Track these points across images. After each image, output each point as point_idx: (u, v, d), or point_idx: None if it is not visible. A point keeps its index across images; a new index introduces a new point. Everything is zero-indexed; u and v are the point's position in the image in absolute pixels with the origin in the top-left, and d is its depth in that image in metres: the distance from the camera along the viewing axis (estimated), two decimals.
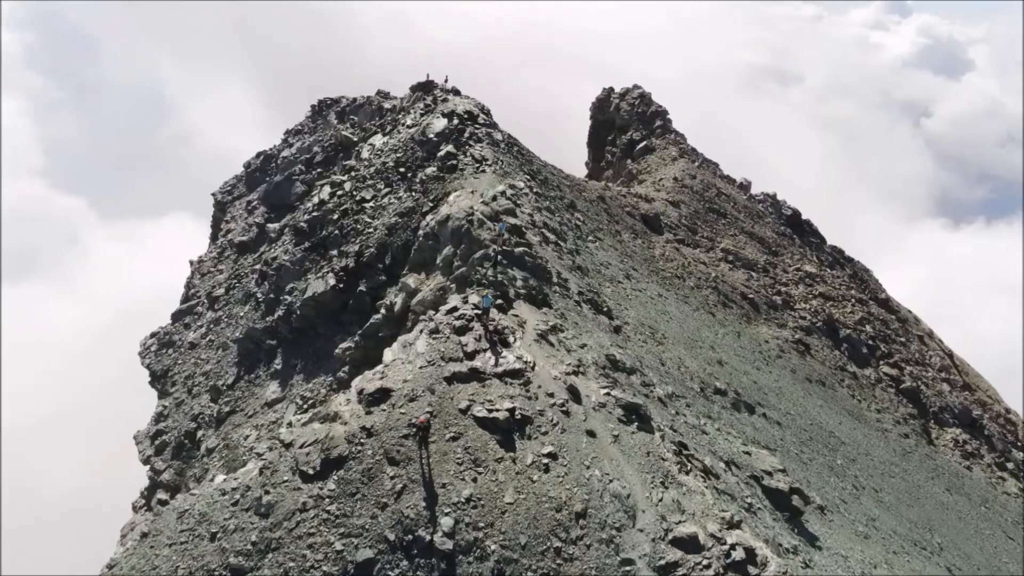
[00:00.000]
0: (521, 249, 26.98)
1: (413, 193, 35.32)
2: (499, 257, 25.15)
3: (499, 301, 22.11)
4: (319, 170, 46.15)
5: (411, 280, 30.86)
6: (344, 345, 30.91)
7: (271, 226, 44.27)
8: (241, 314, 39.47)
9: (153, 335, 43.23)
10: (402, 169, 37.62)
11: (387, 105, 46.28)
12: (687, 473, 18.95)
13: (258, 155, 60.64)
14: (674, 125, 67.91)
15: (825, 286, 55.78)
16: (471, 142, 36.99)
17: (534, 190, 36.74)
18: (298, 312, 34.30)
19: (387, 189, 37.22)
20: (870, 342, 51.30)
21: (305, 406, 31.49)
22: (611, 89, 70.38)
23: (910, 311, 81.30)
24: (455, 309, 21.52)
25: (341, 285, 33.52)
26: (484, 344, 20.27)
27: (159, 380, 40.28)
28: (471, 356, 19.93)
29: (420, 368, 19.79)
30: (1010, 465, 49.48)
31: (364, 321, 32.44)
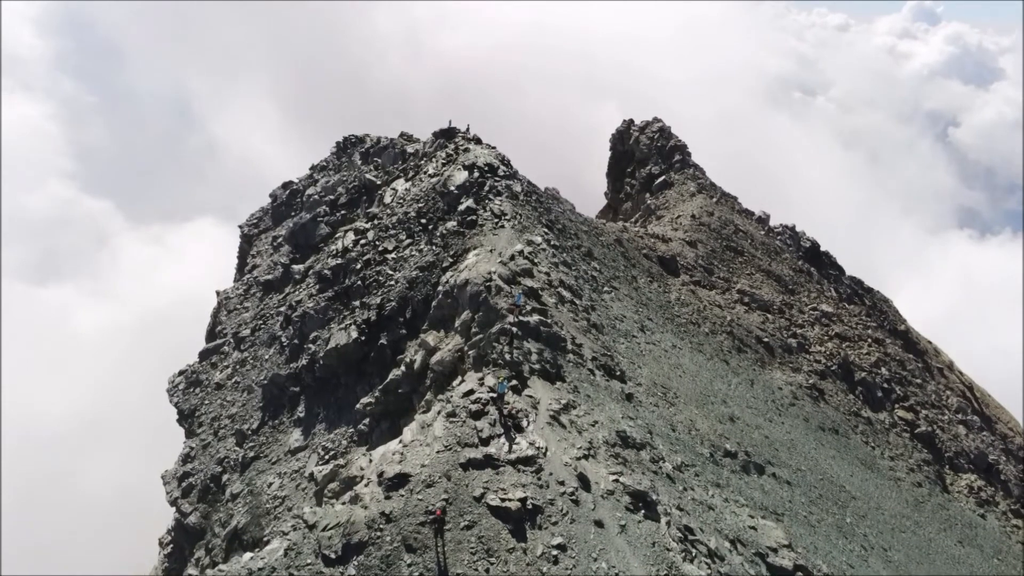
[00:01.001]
0: (537, 318, 27.85)
1: (434, 247, 36.36)
2: (515, 330, 26.03)
3: (514, 382, 23.01)
4: (343, 212, 47.41)
5: (430, 338, 31.87)
6: (365, 400, 31.98)
7: (296, 267, 45.55)
8: (266, 357, 40.73)
9: (181, 373, 44.66)
10: (423, 220, 38.70)
11: (410, 149, 47.43)
12: (691, 561, 19.70)
13: (284, 186, 62.22)
14: (693, 159, 68.54)
15: (842, 325, 56.03)
16: (490, 196, 37.99)
17: (551, 243, 37.66)
18: (321, 362, 35.42)
19: (408, 240, 38.31)
20: (885, 385, 51.49)
21: (327, 456, 32.61)
22: (631, 121, 71.15)
23: (930, 342, 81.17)
24: (472, 392, 22.45)
25: (363, 338, 34.58)
26: (499, 429, 21.18)
27: (187, 419, 41.66)
28: (486, 442, 20.85)
29: (438, 452, 20.74)
30: None
31: (385, 373, 33.53)
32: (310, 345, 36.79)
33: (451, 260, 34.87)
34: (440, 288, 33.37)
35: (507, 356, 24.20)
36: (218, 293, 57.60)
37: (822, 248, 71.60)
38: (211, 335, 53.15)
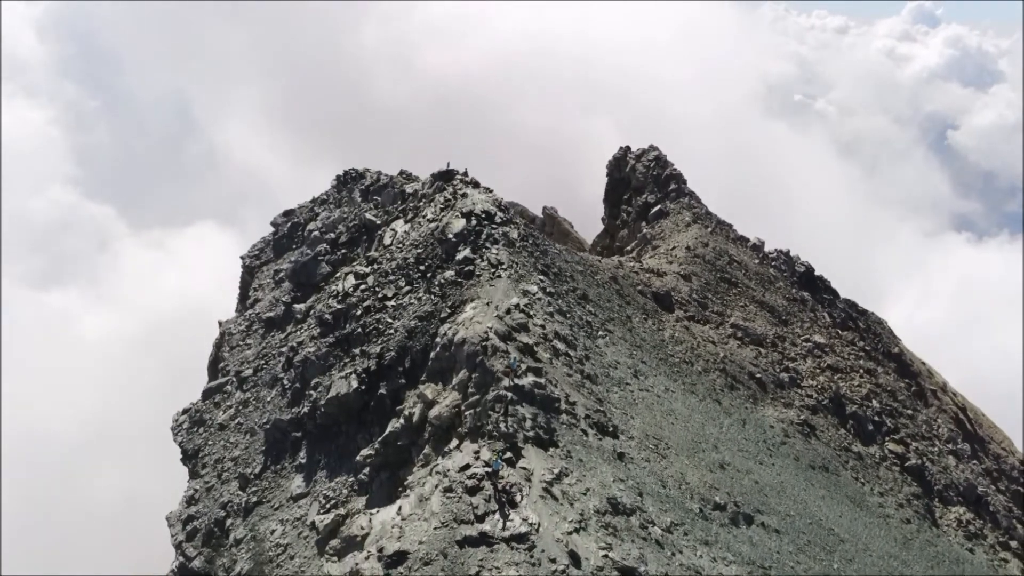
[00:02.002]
0: (531, 379, 28.80)
1: (432, 296, 37.31)
2: (510, 396, 26.98)
3: (508, 455, 23.95)
4: (343, 251, 48.36)
5: (429, 391, 32.83)
6: (365, 452, 32.94)
7: (297, 307, 46.50)
8: (268, 399, 41.66)
9: (185, 411, 45.60)
10: (422, 267, 39.66)
11: (409, 189, 48.35)
12: None
13: (285, 214, 63.16)
14: (689, 187, 69.53)
15: (834, 356, 56.99)
16: (487, 244, 38.93)
17: (547, 290, 38.63)
18: (322, 409, 36.37)
19: (408, 288, 39.26)
20: (876, 418, 52.45)
21: (328, 505, 33.51)
22: (628, 148, 72.15)
23: (924, 363, 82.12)
24: (468, 466, 23.40)
25: (363, 387, 35.51)
26: (493, 505, 22.12)
27: (190, 459, 42.60)
28: (481, 519, 21.80)
29: (435, 529, 21.68)
30: (1013, 544, 50.40)
31: (385, 422, 34.48)
32: (311, 392, 37.72)
33: (449, 311, 35.81)
34: (438, 340, 34.31)
35: (502, 427, 25.13)
36: (220, 324, 58.53)
37: (816, 272, 72.67)
38: (213, 368, 54.09)
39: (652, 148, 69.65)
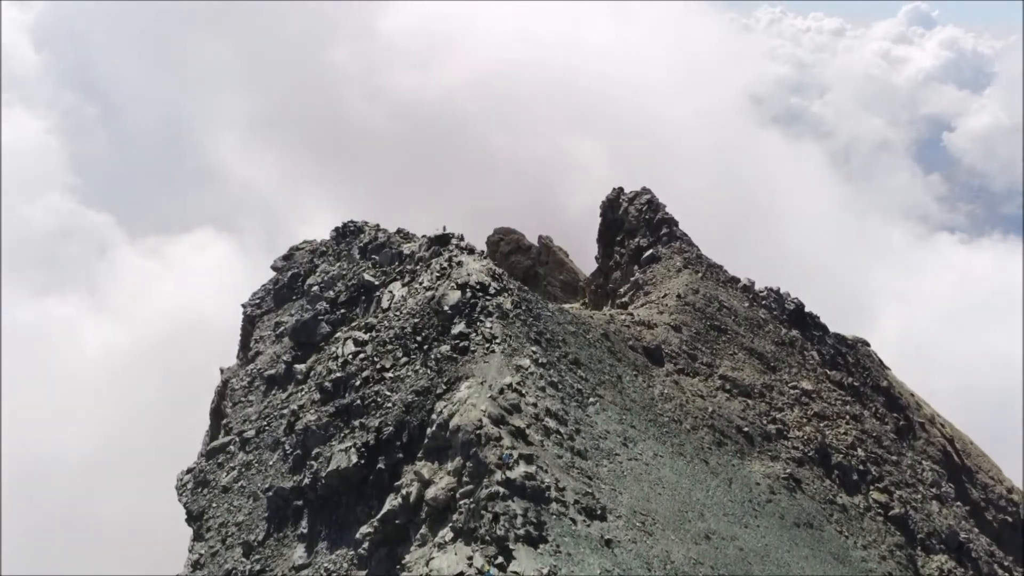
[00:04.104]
0: (523, 470, 30.29)
1: (428, 371, 38.78)
2: (502, 491, 28.47)
3: (499, 560, 25.41)
4: (343, 311, 49.84)
5: (425, 471, 34.32)
6: (364, 530, 34.37)
7: (298, 367, 47.95)
8: (271, 462, 43.10)
9: (189, 471, 47.01)
10: (419, 338, 41.14)
11: (406, 251, 49.83)
12: None
13: (285, 259, 64.68)
14: (681, 228, 71.13)
15: (821, 403, 58.52)
16: (482, 317, 40.43)
17: (539, 361, 40.13)
18: (323, 481, 37.82)
19: (405, 359, 40.74)
20: (861, 467, 53.98)
21: None
22: (621, 190, 73.71)
23: (912, 394, 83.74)
24: (461, 574, 24.85)
25: (363, 461, 36.98)
26: None
27: (195, 520, 44.02)
28: None
29: None
30: None
31: (383, 496, 35.97)
32: (312, 462, 39.13)
33: (445, 387, 37.30)
34: (434, 417, 35.80)
35: (495, 532, 26.58)
36: (222, 371, 59.99)
37: (807, 309, 74.37)
38: (215, 417, 55.58)
39: (644, 191, 71.18)
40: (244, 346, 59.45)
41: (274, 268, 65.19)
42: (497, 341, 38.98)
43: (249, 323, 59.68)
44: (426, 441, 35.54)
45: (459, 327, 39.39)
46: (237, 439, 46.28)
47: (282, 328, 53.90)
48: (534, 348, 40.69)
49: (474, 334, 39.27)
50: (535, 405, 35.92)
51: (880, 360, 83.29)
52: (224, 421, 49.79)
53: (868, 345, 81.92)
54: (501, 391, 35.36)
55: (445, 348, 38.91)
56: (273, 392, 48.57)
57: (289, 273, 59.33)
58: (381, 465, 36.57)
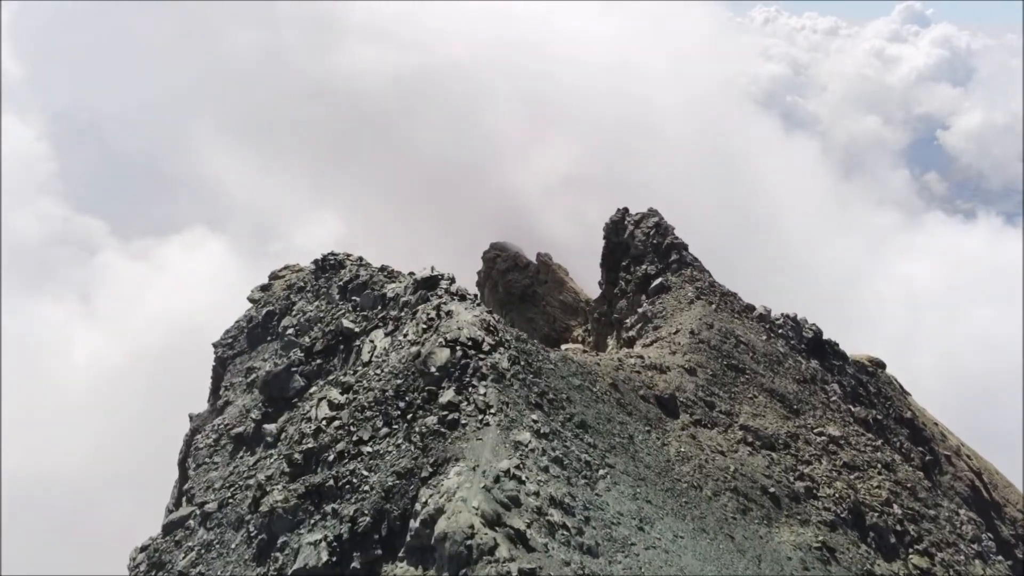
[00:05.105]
0: None
1: (412, 447, 33.29)
2: None
3: None
4: (319, 361, 44.35)
5: None
6: None
7: (268, 427, 42.47)
8: (233, 545, 37.56)
9: (143, 549, 41.47)
10: (401, 404, 35.67)
11: (389, 293, 44.36)
12: None
13: (263, 289, 59.38)
14: (691, 251, 65.76)
15: (850, 450, 53.17)
16: (474, 381, 34.98)
17: (541, 431, 34.70)
18: None
19: (386, 429, 35.25)
20: (898, 527, 48.65)
21: None
22: (626, 210, 68.29)
23: (936, 424, 78.64)
24: None
25: (335, 558, 31.49)
26: None
27: None
28: None
29: None
30: None
31: None
32: (277, 554, 33.62)
33: (431, 470, 31.85)
34: (418, 509, 30.39)
35: None
36: (191, 417, 54.54)
37: (824, 336, 69.28)
38: (183, 473, 50.17)
39: (651, 213, 65.80)
40: (214, 391, 54.02)
41: (250, 300, 59.76)
42: (492, 411, 33.54)
43: (220, 366, 54.21)
44: (409, 538, 30.06)
45: (448, 395, 33.91)
46: (198, 512, 40.68)
47: (253, 376, 48.41)
48: (535, 416, 35.22)
49: (465, 403, 33.81)
50: (537, 494, 30.45)
51: (900, 386, 78.28)
52: (186, 486, 44.22)
53: (885, 367, 76.97)
54: (497, 479, 29.91)
55: (432, 420, 33.44)
56: (240, 455, 43.03)
57: (264, 311, 53.80)
58: (356, 564, 31.03)
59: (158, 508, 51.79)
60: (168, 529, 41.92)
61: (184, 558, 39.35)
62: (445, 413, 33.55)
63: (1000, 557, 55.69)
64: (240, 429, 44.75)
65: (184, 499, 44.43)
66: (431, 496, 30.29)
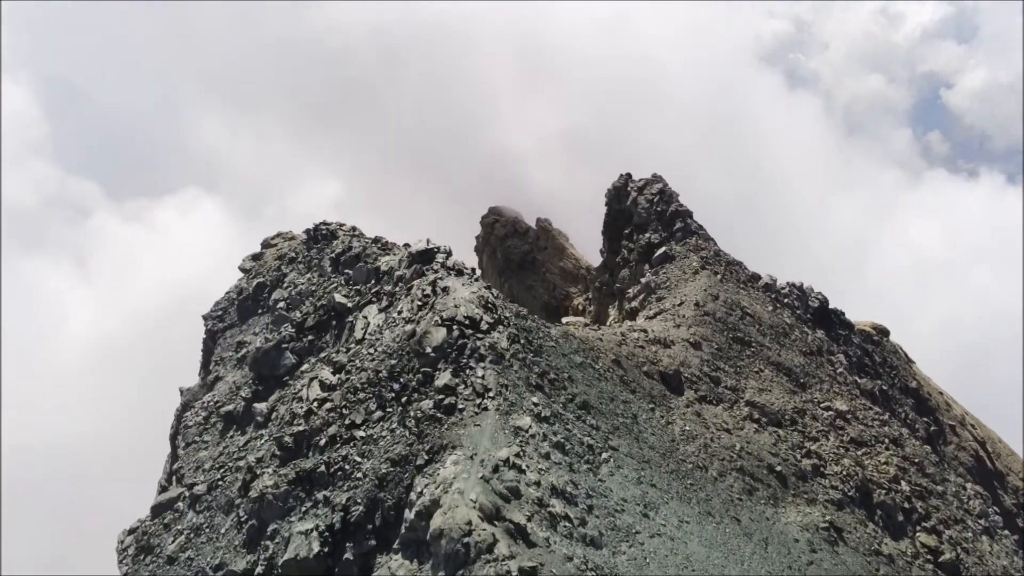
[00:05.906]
0: None
1: (407, 432, 31.77)
2: None
3: None
4: (310, 337, 42.69)
5: (402, 571, 27.61)
6: None
7: (258, 406, 41.01)
8: (223, 529, 36.36)
9: (131, 532, 40.33)
10: (396, 386, 34.08)
11: (383, 267, 42.45)
12: None
13: (255, 258, 57.69)
14: (696, 218, 63.61)
15: (857, 425, 51.85)
16: (472, 362, 33.31)
17: (542, 415, 33.17)
18: (279, 571, 31.10)
19: (379, 412, 33.72)
20: (906, 504, 47.55)
21: None
22: (628, 176, 65.94)
23: (941, 393, 77.48)
24: None
25: (326, 549, 30.21)
26: None
27: None
28: None
29: None
30: None
31: None
32: (267, 542, 32.38)
33: (426, 457, 30.39)
34: (413, 499, 29.00)
35: None
36: (182, 392, 53.12)
37: (831, 305, 67.60)
38: (175, 449, 48.89)
39: (656, 179, 63.46)
40: (205, 364, 52.45)
41: (241, 269, 57.81)
42: (491, 395, 31.96)
43: (211, 339, 52.55)
44: (403, 530, 28.72)
45: (444, 378, 32.30)
46: (187, 495, 39.43)
47: (244, 351, 46.78)
48: (535, 399, 33.65)
49: (462, 386, 32.21)
50: (538, 484, 29.01)
51: (906, 355, 76.80)
52: (176, 465, 42.92)
53: (889, 334, 75.43)
54: (496, 469, 28.44)
55: (427, 404, 31.89)
56: (230, 435, 41.62)
57: (255, 282, 51.93)
58: (348, 556, 29.74)
59: (153, 478, 50.69)
60: (157, 511, 40.72)
61: (173, 542, 38.19)
62: (441, 397, 31.97)
63: (1007, 532, 54.86)
64: (230, 407, 43.28)
65: (174, 478, 43.18)
66: (427, 486, 28.86)
